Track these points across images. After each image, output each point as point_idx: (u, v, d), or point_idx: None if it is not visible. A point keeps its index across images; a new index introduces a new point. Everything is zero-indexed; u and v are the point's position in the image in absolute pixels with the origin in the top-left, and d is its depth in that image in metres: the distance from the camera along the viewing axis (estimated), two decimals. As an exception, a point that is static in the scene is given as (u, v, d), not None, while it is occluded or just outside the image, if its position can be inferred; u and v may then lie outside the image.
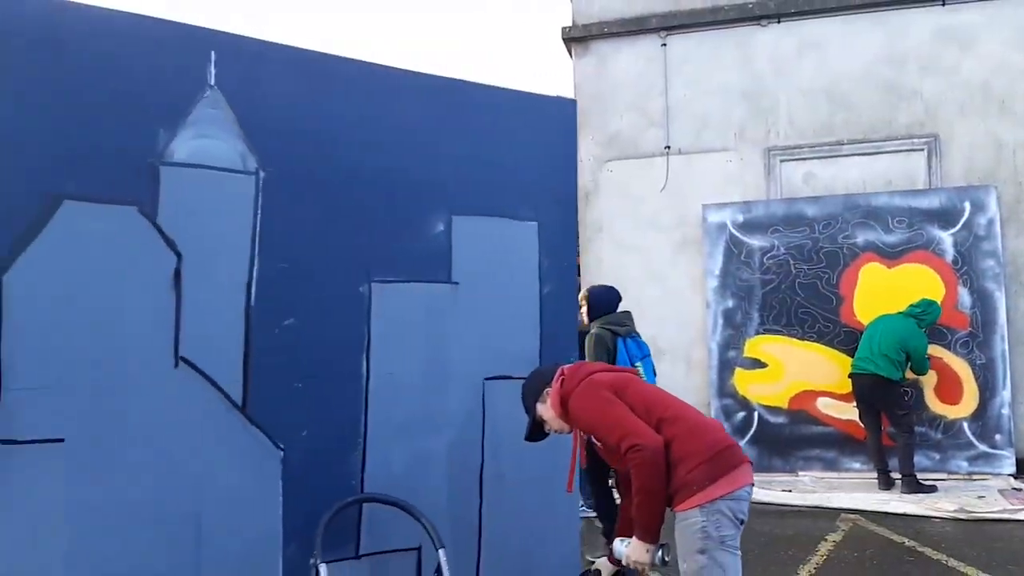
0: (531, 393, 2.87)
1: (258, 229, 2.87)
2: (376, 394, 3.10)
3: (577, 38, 8.07)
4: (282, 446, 2.87)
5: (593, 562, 2.97)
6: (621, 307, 5.08)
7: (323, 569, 2.57)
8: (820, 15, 7.70)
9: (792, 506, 6.28)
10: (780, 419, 7.19)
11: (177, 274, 2.70)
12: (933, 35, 7.45)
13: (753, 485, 2.61)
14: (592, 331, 4.87)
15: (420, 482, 3.14)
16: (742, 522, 2.52)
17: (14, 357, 2.41)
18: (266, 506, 2.83)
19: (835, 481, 6.98)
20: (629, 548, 2.60)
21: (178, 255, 2.70)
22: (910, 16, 7.49)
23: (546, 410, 2.81)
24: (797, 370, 7.26)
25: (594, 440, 2.75)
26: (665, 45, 7.89)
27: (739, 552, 2.51)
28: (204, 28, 2.82)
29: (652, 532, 2.51)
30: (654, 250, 7.82)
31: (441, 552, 2.77)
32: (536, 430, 2.90)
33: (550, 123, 3.62)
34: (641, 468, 2.44)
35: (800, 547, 5.13)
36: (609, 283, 5.36)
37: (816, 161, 7.64)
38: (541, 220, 3.55)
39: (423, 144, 3.25)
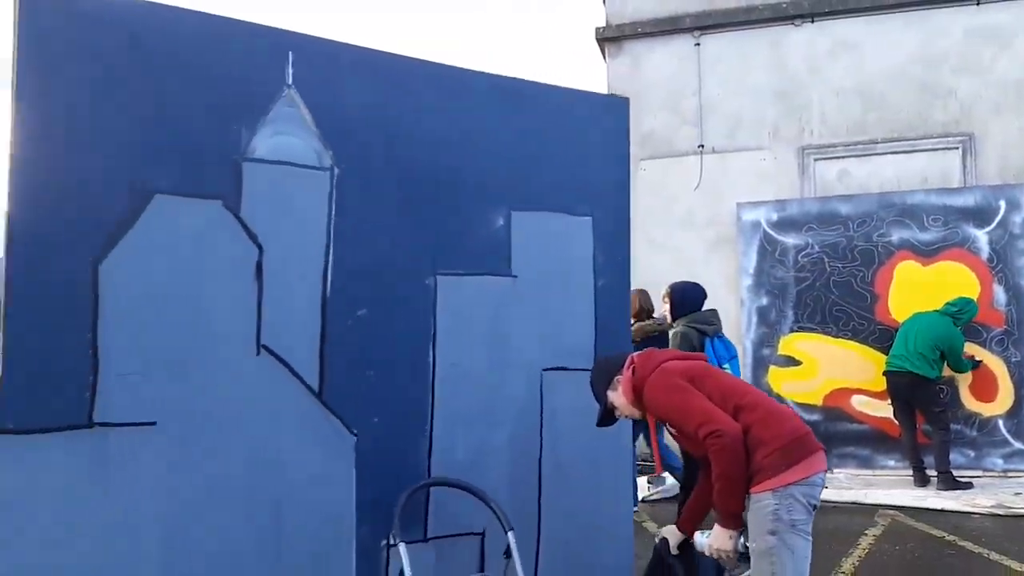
0: (601, 381, 2.97)
1: (333, 223, 2.98)
2: (441, 384, 3.20)
3: (611, 38, 8.16)
4: (355, 432, 2.98)
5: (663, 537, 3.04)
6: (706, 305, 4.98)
7: (403, 548, 2.67)
8: (854, 15, 7.75)
9: (829, 502, 6.29)
10: (814, 416, 7.23)
11: (259, 266, 2.82)
12: (967, 34, 7.47)
13: (827, 472, 2.69)
14: (677, 330, 4.73)
15: (482, 470, 3.24)
16: (814, 507, 2.58)
17: (110, 344, 2.54)
18: (340, 490, 2.94)
19: (870, 478, 7.02)
20: (711, 537, 2.66)
21: (260, 248, 2.82)
22: (944, 16, 7.51)
23: (617, 397, 2.90)
24: (831, 368, 7.31)
25: (668, 427, 2.83)
26: (699, 45, 7.96)
27: (810, 537, 2.57)
28: (283, 30, 2.93)
29: (733, 518, 2.58)
30: (687, 248, 7.89)
31: (510, 535, 2.86)
32: (607, 416, 2.99)
33: (604, 120, 3.71)
34: (721, 454, 2.49)
35: (841, 541, 5.19)
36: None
37: (850, 159, 7.68)
38: (595, 215, 3.64)
39: (485, 141, 3.35)
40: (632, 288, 5.77)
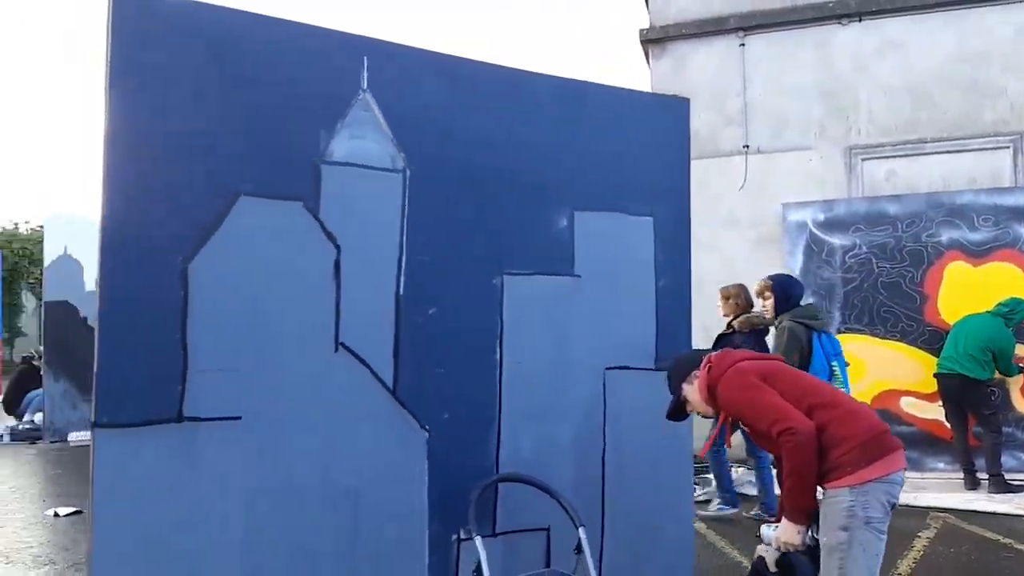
0: (678, 375, 3.01)
1: (405, 224, 3.05)
2: (508, 381, 3.26)
3: (654, 40, 8.17)
4: (427, 428, 3.04)
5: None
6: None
7: (479, 542, 2.72)
8: (901, 13, 7.67)
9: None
10: (862, 418, 7.16)
11: (337, 265, 2.89)
12: (1017, 33, 7.36)
13: (905, 469, 2.69)
14: (784, 325, 4.56)
15: (547, 466, 3.28)
16: (893, 506, 2.59)
17: (199, 340, 2.63)
18: (414, 485, 3.01)
19: (919, 481, 6.93)
20: (779, 531, 2.69)
21: (337, 248, 2.90)
22: (993, 14, 7.41)
23: (692, 392, 2.94)
24: (880, 369, 7.24)
25: (742, 425, 2.86)
26: (743, 45, 7.94)
27: (884, 535, 2.57)
28: (358, 35, 3.01)
29: (802, 513, 2.60)
30: (732, 248, 7.87)
31: (581, 530, 2.91)
32: (678, 410, 3.04)
33: (665, 121, 3.74)
34: (794, 451, 2.52)
35: (894, 543, 5.11)
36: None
37: (898, 159, 7.60)
38: (656, 215, 3.67)
39: (549, 142, 3.40)
40: (729, 285, 5.75)
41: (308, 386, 2.81)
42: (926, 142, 7.53)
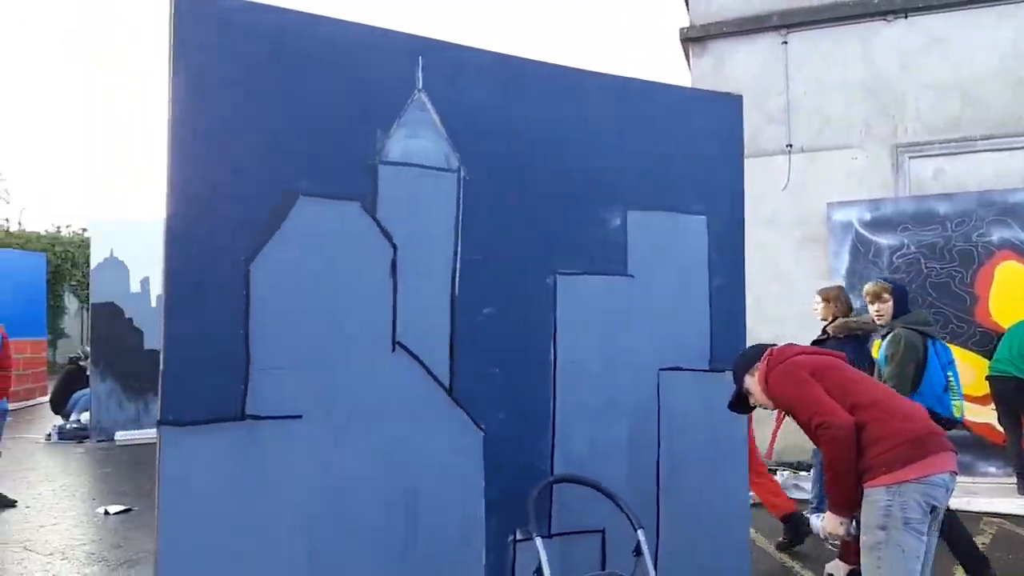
0: (742, 366, 3.05)
1: (460, 224, 3.05)
2: (562, 381, 3.24)
3: (695, 38, 8.09)
4: (483, 427, 3.03)
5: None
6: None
7: (540, 542, 2.70)
8: (947, 9, 7.51)
9: (930, 509, 6.14)
10: (910, 421, 7.01)
11: (394, 265, 2.89)
12: (1070, 26, 7.17)
13: (955, 473, 2.64)
14: (899, 332, 4.31)
15: (602, 467, 3.26)
16: (934, 508, 2.57)
17: (260, 339, 2.65)
18: (471, 484, 3.00)
19: (971, 486, 6.77)
20: (824, 521, 2.74)
21: (394, 247, 2.90)
22: (1044, 7, 7.23)
23: (753, 384, 2.97)
24: (928, 371, 7.07)
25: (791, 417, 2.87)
26: (786, 43, 7.83)
27: (925, 536, 2.55)
28: (413, 35, 3.01)
29: (843, 505, 2.65)
30: (775, 248, 7.76)
31: (640, 533, 2.87)
32: (739, 401, 3.08)
33: (718, 119, 3.69)
34: (829, 444, 2.59)
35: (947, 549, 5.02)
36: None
37: (946, 157, 7.44)
38: (710, 214, 3.63)
39: (601, 141, 3.38)
40: (829, 286, 5.53)
41: (366, 385, 2.81)
42: (975, 140, 7.36)
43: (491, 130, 3.14)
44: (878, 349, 4.70)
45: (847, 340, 4.79)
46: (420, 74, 3.00)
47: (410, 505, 2.86)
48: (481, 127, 3.12)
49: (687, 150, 3.59)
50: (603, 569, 3.21)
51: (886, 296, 4.47)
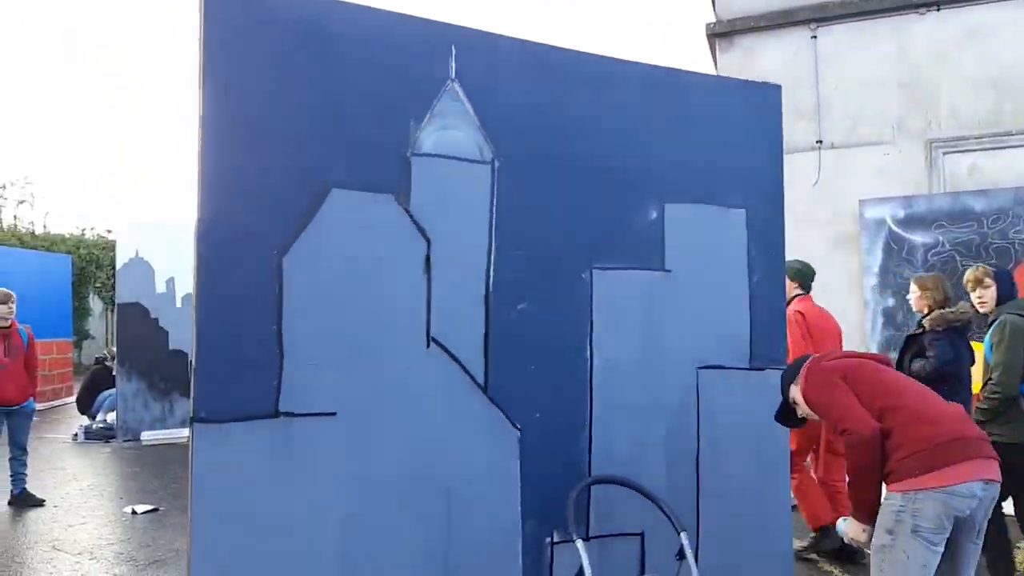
0: (787, 377, 2.97)
1: (494, 217, 2.97)
2: (599, 379, 3.15)
3: (721, 33, 7.98)
4: (519, 426, 2.95)
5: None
6: None
7: (581, 545, 2.62)
8: (982, 2, 7.34)
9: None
10: (947, 423, 6.85)
11: (427, 259, 2.83)
12: (1111, 17, 6.98)
13: (987, 482, 2.50)
14: (1005, 319, 4.03)
15: (640, 468, 3.17)
16: (957, 518, 2.46)
17: (293, 335, 2.59)
18: (507, 484, 2.92)
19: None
20: (847, 525, 2.72)
21: (428, 241, 2.83)
22: (1084, -2, 7.05)
23: (798, 394, 2.87)
24: (975, 372, 6.91)
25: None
26: (815, 37, 7.70)
27: (938, 547, 2.46)
28: (446, 23, 2.94)
29: (865, 512, 2.61)
30: (806, 247, 7.59)
31: (683, 536, 2.78)
32: (785, 412, 2.99)
33: (756, 109, 3.59)
34: (851, 451, 2.56)
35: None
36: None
37: (982, 153, 7.27)
38: (749, 207, 3.53)
39: (638, 132, 3.29)
40: (925, 274, 5.27)
41: (401, 382, 2.74)
42: (1011, 135, 7.19)
43: (525, 121, 3.06)
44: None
45: (945, 333, 4.43)
46: (453, 63, 2.93)
47: (445, 506, 2.78)
48: (515, 118, 3.05)
49: (725, 141, 3.49)
50: (642, 574, 3.12)
51: (988, 281, 4.20)
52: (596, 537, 3.09)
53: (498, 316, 2.95)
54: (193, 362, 2.47)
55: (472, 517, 2.83)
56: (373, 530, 2.66)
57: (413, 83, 2.86)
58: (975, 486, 2.47)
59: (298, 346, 2.59)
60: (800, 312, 4.74)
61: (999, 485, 2.56)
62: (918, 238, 7.06)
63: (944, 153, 7.34)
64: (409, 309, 2.79)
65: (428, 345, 2.81)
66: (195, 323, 2.49)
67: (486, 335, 2.92)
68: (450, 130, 2.91)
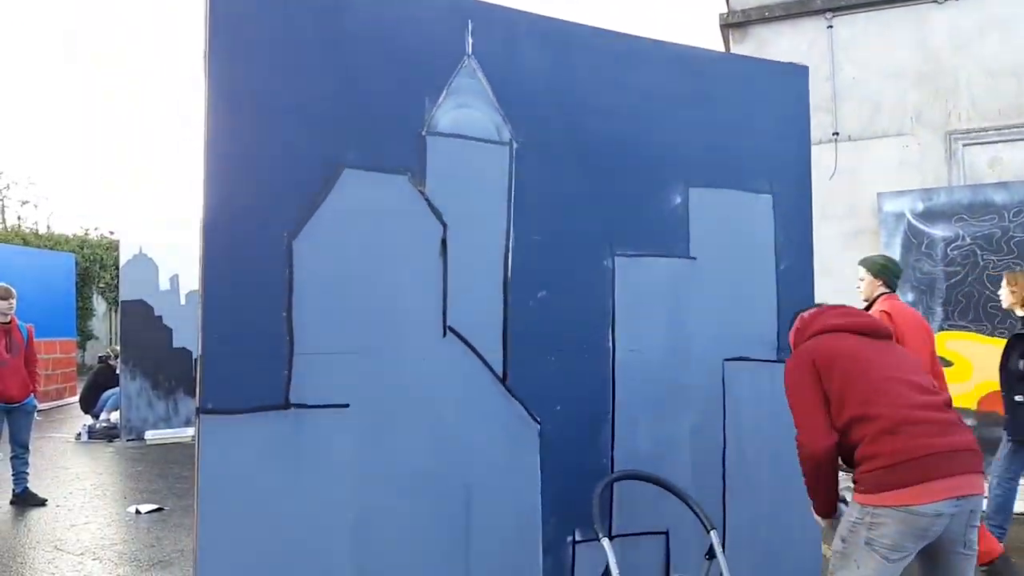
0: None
1: (512, 200, 2.84)
2: (622, 371, 3.01)
3: (735, 24, 7.83)
4: (539, 420, 2.82)
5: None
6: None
7: (607, 543, 2.48)
8: (1002, -10, 7.19)
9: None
10: (968, 421, 6.68)
11: (444, 244, 2.69)
12: None
13: (963, 497, 2.29)
14: None
15: (665, 462, 3.03)
16: (922, 538, 2.27)
17: (304, 323, 2.45)
18: (527, 480, 2.79)
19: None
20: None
21: (444, 225, 2.70)
22: (1108, -15, 6.88)
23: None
24: (986, 370, 6.73)
25: None
26: (831, 27, 7.54)
27: (895, 562, 2.28)
28: (462, -2, 2.81)
29: (821, 512, 2.56)
30: (823, 241, 7.41)
31: (713, 534, 2.64)
32: None
33: (783, 91, 3.46)
34: (801, 461, 2.46)
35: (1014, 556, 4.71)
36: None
37: (1003, 144, 7.11)
38: (776, 193, 3.39)
39: (661, 113, 3.16)
40: (1016, 271, 5.03)
41: (416, 373, 2.61)
42: (1034, 126, 7.02)
43: (544, 99, 2.93)
44: None
45: None
46: (470, 39, 2.79)
47: (463, 502, 2.65)
48: (534, 97, 2.91)
49: (751, 124, 3.35)
50: (667, 574, 2.98)
51: None
52: (619, 536, 2.95)
53: (517, 304, 2.81)
54: (200, 350, 2.34)
55: (491, 515, 2.69)
56: (388, 528, 2.53)
57: (428, 59, 2.72)
58: (942, 505, 2.26)
59: (309, 334, 2.45)
60: (886, 312, 4.27)
61: (980, 497, 2.36)
62: (938, 232, 6.89)
63: (964, 145, 7.18)
64: (424, 296, 2.65)
65: (444, 334, 2.68)
66: (201, 309, 2.36)
67: (504, 324, 2.79)
68: (467, 109, 2.78)
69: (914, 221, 6.97)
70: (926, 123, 7.28)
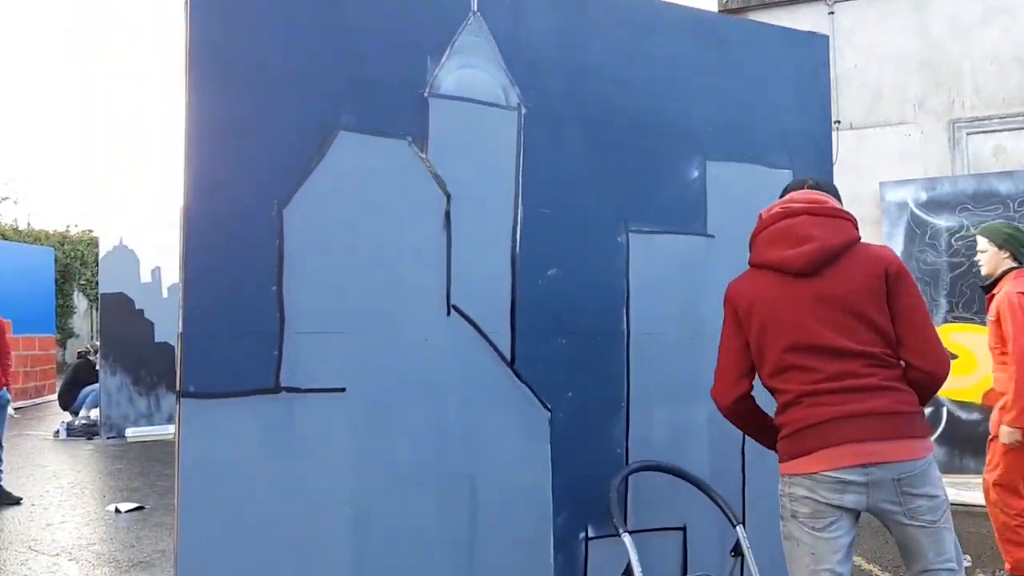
0: None
1: (521, 169, 2.63)
2: (636, 355, 2.81)
3: (734, 10, 7.67)
4: (549, 407, 2.61)
5: None
6: None
7: (628, 539, 2.28)
8: (1005, -24, 7.06)
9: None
10: (973, 415, 6.55)
11: (447, 215, 2.48)
12: None
13: (870, 465, 2.07)
14: None
15: (681, 453, 2.83)
16: (837, 506, 2.10)
17: (296, 297, 2.24)
18: (536, 472, 2.58)
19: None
20: None
21: (448, 195, 2.49)
22: (1113, -28, 6.77)
23: None
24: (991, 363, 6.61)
25: None
26: (832, 13, 7.39)
27: (822, 532, 2.12)
28: (465, -49, 2.60)
29: (771, 446, 2.35)
30: (823, 232, 7.31)
31: (739, 530, 2.45)
32: None
33: (802, 61, 3.26)
34: None
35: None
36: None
37: (1007, 133, 6.98)
38: (795, 168, 3.20)
39: (677, 81, 2.96)
40: None
41: (419, 354, 2.40)
42: (1038, 114, 6.90)
43: (556, 63, 2.73)
44: None
45: None
46: (475, -5, 2.59)
47: (468, 496, 2.44)
48: (545, 59, 2.71)
49: (770, 94, 3.16)
50: (685, 572, 2.79)
51: None
52: (635, 532, 2.75)
53: (525, 282, 2.61)
54: (180, 327, 2.12)
55: (499, 509, 2.49)
56: (388, 523, 2.32)
57: (431, 15, 2.52)
58: (845, 473, 2.08)
59: (301, 311, 2.24)
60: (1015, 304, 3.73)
61: (905, 463, 2.10)
62: (941, 222, 6.75)
63: (968, 133, 7.05)
64: (427, 271, 2.44)
65: (449, 313, 2.47)
66: (182, 283, 2.14)
67: (513, 304, 2.58)
68: (472, 69, 2.57)
69: (917, 211, 6.83)
70: (929, 111, 7.14)
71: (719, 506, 2.50)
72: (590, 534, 2.67)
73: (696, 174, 2.99)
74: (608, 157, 2.81)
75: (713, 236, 3.01)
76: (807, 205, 2.35)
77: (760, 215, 2.46)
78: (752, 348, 2.28)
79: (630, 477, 2.73)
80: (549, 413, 2.61)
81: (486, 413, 2.49)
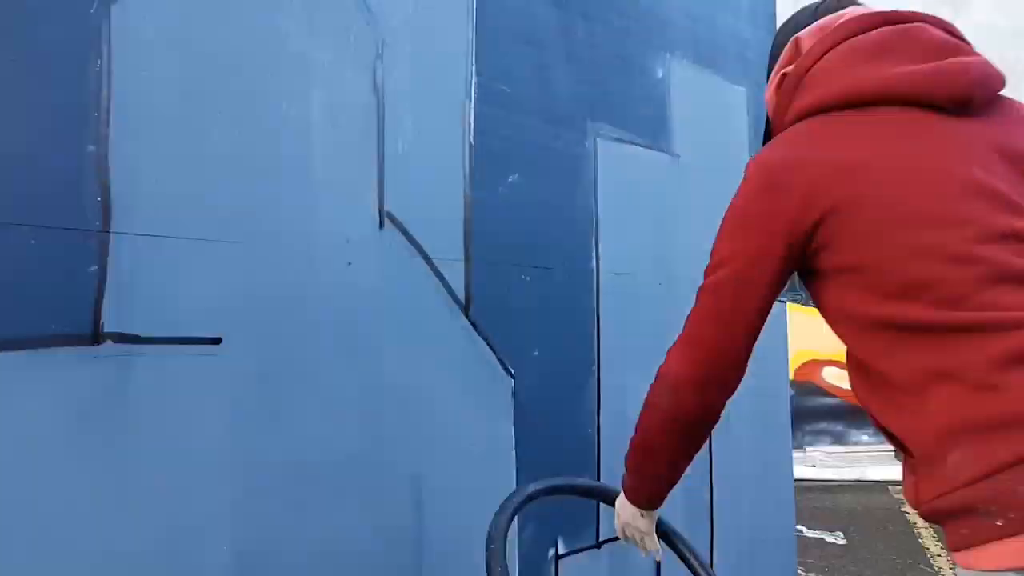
0: None
1: (474, 39, 1.80)
2: (607, 301, 2.10)
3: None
4: (513, 371, 1.81)
5: None
6: None
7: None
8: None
9: (834, 481, 5.83)
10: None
11: (375, 78, 1.59)
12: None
13: None
14: None
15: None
16: None
17: (131, 166, 1.24)
18: (498, 466, 1.77)
19: (844, 454, 6.57)
20: None
21: (380, 43, 1.59)
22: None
23: None
24: (801, 338, 6.74)
25: None
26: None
27: None
28: None
29: None
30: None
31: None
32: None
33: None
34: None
35: (890, 520, 4.56)
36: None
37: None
38: (748, 86, 2.67)
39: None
40: None
41: (336, 286, 1.48)
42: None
43: None
44: None
45: None
46: None
47: (404, 497, 1.57)
48: None
49: (725, 11, 2.62)
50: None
51: None
52: (607, 541, 2.03)
53: (482, 190, 1.78)
54: None
55: (445, 519, 1.64)
56: (283, 533, 1.38)
57: None
58: None
59: (142, 203, 1.24)
60: None
61: None
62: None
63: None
64: (348, 153, 1.53)
65: (381, 225, 1.57)
66: None
67: (466, 218, 1.74)
68: None
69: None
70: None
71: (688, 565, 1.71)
72: (560, 550, 1.90)
73: (661, 74, 2.33)
74: (576, 26, 2.06)
75: (679, 155, 2.38)
76: (917, 13, 1.12)
77: (800, 38, 1.19)
78: (847, 263, 1.02)
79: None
80: (513, 381, 1.80)
81: (431, 378, 1.63)
